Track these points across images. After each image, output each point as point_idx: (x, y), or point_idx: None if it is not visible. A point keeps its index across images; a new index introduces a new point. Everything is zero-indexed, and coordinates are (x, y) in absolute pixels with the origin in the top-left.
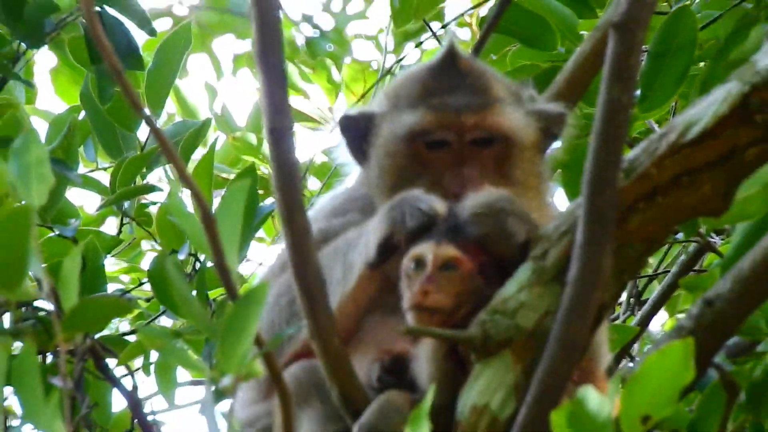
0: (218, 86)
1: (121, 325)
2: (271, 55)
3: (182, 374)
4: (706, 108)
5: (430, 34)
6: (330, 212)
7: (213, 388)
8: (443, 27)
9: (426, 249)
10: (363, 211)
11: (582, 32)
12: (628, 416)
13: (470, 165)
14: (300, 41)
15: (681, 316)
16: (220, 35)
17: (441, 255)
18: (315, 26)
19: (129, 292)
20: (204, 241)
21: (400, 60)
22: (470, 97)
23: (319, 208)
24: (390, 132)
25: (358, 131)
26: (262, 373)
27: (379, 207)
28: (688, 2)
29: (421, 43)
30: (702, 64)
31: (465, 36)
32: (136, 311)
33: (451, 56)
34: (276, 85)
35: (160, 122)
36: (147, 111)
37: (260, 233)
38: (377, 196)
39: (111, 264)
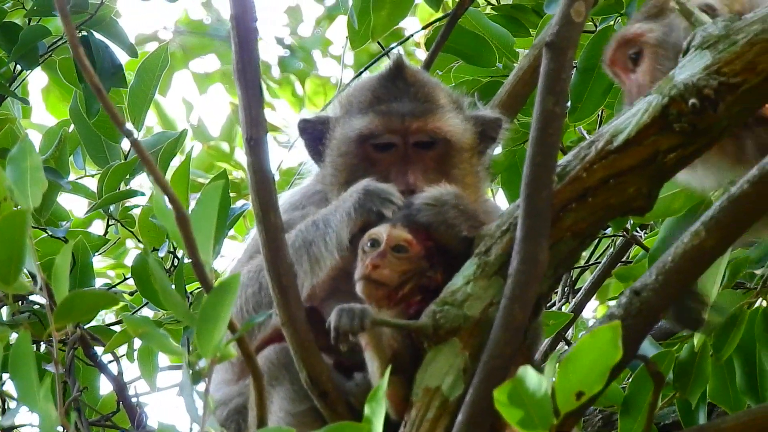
0: (199, 100)
1: (107, 316)
2: (248, 73)
3: (163, 360)
4: (630, 118)
5: (386, 51)
6: (290, 206)
7: (190, 371)
8: (394, 47)
9: (382, 230)
10: (318, 206)
11: (518, 50)
12: (563, 392)
13: (414, 165)
14: (271, 60)
15: (612, 303)
16: (200, 56)
17: (395, 236)
18: (286, 47)
19: (114, 286)
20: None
21: (357, 75)
22: (414, 104)
23: (283, 199)
24: (342, 134)
25: (314, 133)
26: (236, 356)
27: (333, 200)
28: (611, 22)
29: (375, 61)
30: None
31: (421, 56)
32: (121, 303)
33: (397, 67)
34: (253, 100)
35: (142, 134)
36: (129, 124)
37: (232, 232)
38: (331, 191)
39: (98, 261)
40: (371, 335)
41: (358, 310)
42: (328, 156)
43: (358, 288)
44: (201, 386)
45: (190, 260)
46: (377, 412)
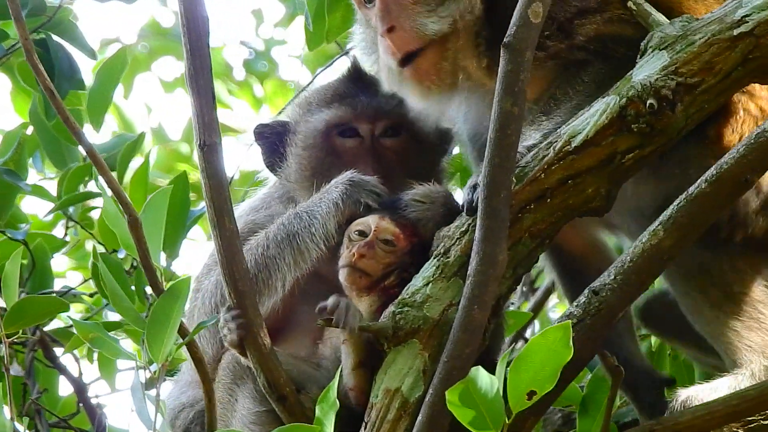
0: (163, 101)
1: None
2: (201, 79)
3: (124, 360)
4: (588, 119)
5: (343, 53)
6: (251, 210)
7: (148, 374)
8: (347, 51)
9: (371, 221)
10: (286, 205)
11: None
12: (515, 392)
13: (379, 158)
14: (234, 62)
15: None
16: (163, 57)
17: (383, 228)
18: (250, 48)
19: (72, 289)
20: (131, 241)
21: (316, 76)
22: (379, 98)
23: (244, 205)
24: (307, 128)
25: (272, 137)
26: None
27: (299, 198)
28: None
29: (333, 62)
30: None
31: None
32: (84, 306)
33: (356, 69)
34: (206, 106)
35: (102, 136)
36: (89, 126)
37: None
38: (298, 189)
39: (60, 263)
40: (352, 332)
41: (353, 306)
42: (291, 155)
43: (342, 275)
44: (166, 386)
45: (141, 263)
46: (328, 413)
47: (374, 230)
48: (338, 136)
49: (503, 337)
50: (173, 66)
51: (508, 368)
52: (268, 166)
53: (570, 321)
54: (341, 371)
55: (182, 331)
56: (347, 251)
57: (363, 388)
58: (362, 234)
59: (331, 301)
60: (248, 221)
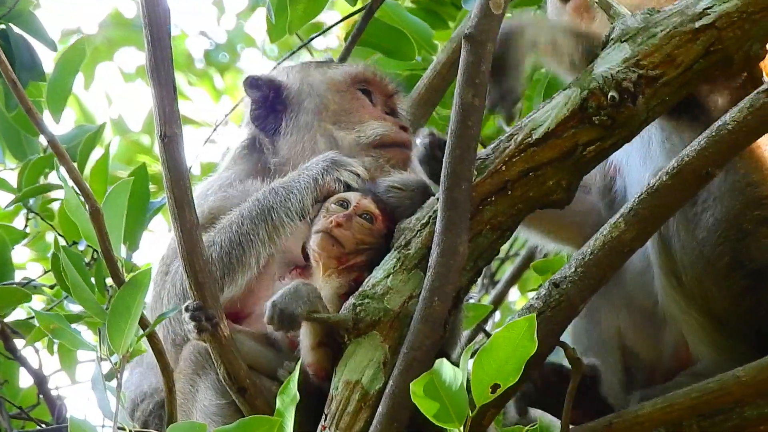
0: (125, 91)
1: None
2: (162, 70)
3: (84, 352)
4: (549, 111)
5: (304, 43)
6: (221, 187)
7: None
8: (313, 38)
9: (353, 196)
10: (263, 178)
11: (436, 42)
12: (479, 385)
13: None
14: (195, 53)
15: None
16: (124, 48)
17: (364, 205)
18: (211, 39)
19: (33, 280)
20: (92, 233)
21: (276, 66)
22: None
23: (207, 185)
24: (325, 80)
25: (265, 91)
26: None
27: (279, 168)
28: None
29: (294, 53)
30: (544, 69)
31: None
32: (44, 297)
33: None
34: (167, 97)
35: (61, 127)
36: (49, 117)
37: (155, 226)
38: (298, 152)
39: (22, 255)
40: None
41: (287, 312)
42: (294, 113)
43: (314, 240)
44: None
45: (102, 255)
46: (288, 405)
47: (355, 205)
48: (359, 91)
49: (461, 330)
50: (134, 56)
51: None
52: (255, 121)
53: (534, 314)
54: (308, 351)
55: (143, 322)
56: (324, 219)
57: (323, 365)
58: (342, 206)
59: (267, 312)
60: (222, 196)
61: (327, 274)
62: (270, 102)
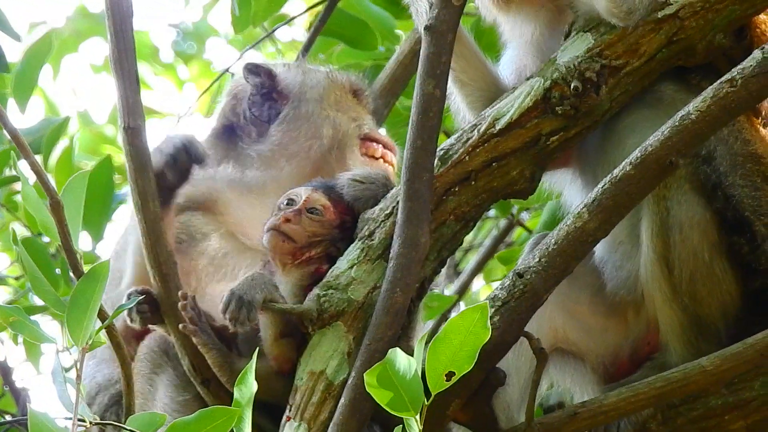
0: (92, 83)
1: None
2: (125, 62)
3: (48, 345)
4: (513, 101)
5: (268, 33)
6: None
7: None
8: (277, 28)
9: (302, 191)
10: (236, 165)
11: (399, 32)
12: (433, 372)
13: None
14: (160, 44)
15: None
16: (90, 39)
17: (312, 198)
18: (178, 30)
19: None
20: (52, 225)
21: (240, 57)
22: None
23: None
24: (327, 77)
25: (262, 78)
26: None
27: (289, 150)
28: None
29: (258, 43)
30: None
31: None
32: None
33: None
34: (130, 89)
35: (28, 119)
36: (14, 109)
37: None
38: (294, 139)
39: None
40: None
41: (246, 299)
42: (297, 101)
43: (265, 238)
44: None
45: (62, 247)
46: (246, 395)
47: (304, 200)
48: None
49: (420, 321)
50: (102, 48)
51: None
52: (251, 108)
53: (488, 302)
54: (269, 343)
55: (102, 315)
56: (274, 217)
57: (287, 356)
58: (292, 203)
59: (222, 304)
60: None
61: (286, 270)
62: (267, 91)
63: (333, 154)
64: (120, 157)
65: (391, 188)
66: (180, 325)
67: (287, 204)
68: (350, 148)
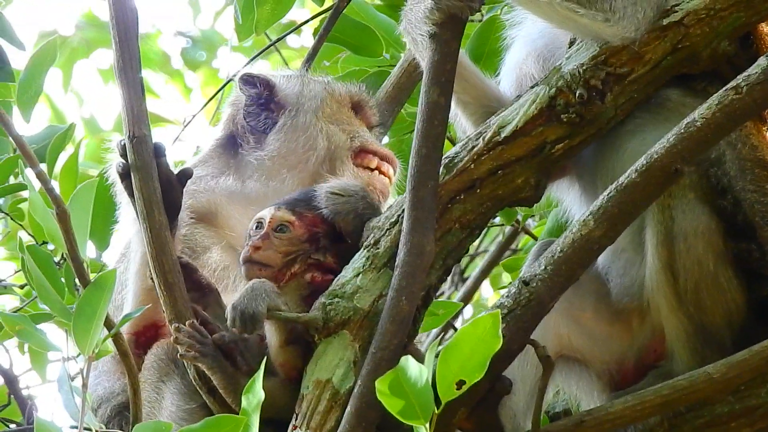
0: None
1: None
2: (130, 71)
3: (54, 353)
4: (518, 109)
5: (272, 42)
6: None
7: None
8: (282, 37)
9: (266, 213)
10: (237, 175)
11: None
12: (444, 381)
13: None
14: (171, 51)
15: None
16: (100, 48)
17: (277, 217)
18: (189, 38)
19: (5, 279)
20: (58, 234)
21: (246, 65)
22: None
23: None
24: (326, 89)
25: (259, 89)
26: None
27: (287, 159)
28: (498, 12)
29: (262, 51)
30: None
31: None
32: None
33: None
34: (135, 98)
35: (34, 128)
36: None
37: None
38: (292, 149)
39: None
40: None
41: (248, 312)
42: (294, 112)
43: (242, 271)
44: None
45: (69, 256)
46: (254, 404)
47: (269, 221)
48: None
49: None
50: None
51: (437, 358)
52: (247, 118)
53: (498, 310)
54: (275, 349)
55: (108, 323)
56: (245, 247)
57: (293, 363)
58: (259, 226)
59: (229, 319)
60: (190, 192)
61: (279, 289)
62: (264, 101)
63: (324, 167)
64: None
65: (370, 199)
66: (179, 354)
67: (256, 228)
68: (340, 160)
